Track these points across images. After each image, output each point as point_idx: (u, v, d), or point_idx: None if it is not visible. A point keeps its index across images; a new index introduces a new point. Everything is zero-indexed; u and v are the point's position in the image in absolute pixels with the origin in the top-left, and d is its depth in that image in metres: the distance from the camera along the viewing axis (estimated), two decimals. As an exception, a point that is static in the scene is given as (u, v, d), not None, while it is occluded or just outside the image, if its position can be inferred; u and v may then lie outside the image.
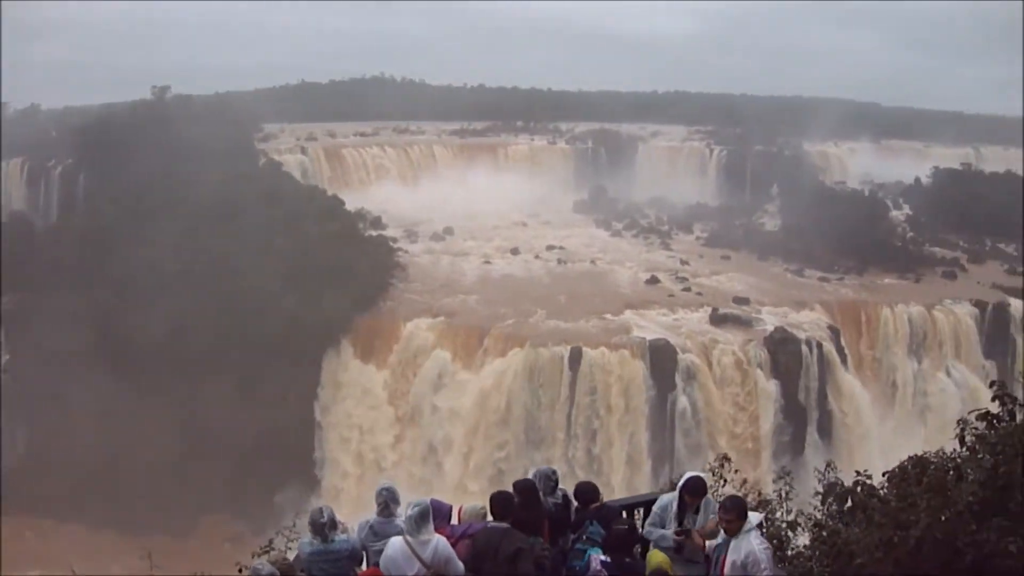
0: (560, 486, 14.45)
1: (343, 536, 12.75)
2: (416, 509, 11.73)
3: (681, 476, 21.54)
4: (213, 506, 73.61)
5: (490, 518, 12.99)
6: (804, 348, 79.30)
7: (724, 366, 76.34)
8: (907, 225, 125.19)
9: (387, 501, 12.96)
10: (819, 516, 18.11)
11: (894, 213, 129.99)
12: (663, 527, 13.72)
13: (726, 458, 21.93)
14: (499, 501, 12.64)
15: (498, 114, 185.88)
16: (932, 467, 15.42)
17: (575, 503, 14.09)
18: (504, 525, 12.11)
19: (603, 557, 12.50)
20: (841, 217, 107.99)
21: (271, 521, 57.15)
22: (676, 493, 13.79)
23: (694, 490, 13.75)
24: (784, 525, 19.82)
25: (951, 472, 15.15)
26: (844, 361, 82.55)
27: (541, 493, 13.72)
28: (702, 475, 14.58)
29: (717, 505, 13.88)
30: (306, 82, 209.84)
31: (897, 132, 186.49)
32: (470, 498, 59.32)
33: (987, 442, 14.82)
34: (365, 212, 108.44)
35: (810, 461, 68.25)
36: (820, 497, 18.09)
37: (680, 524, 13.71)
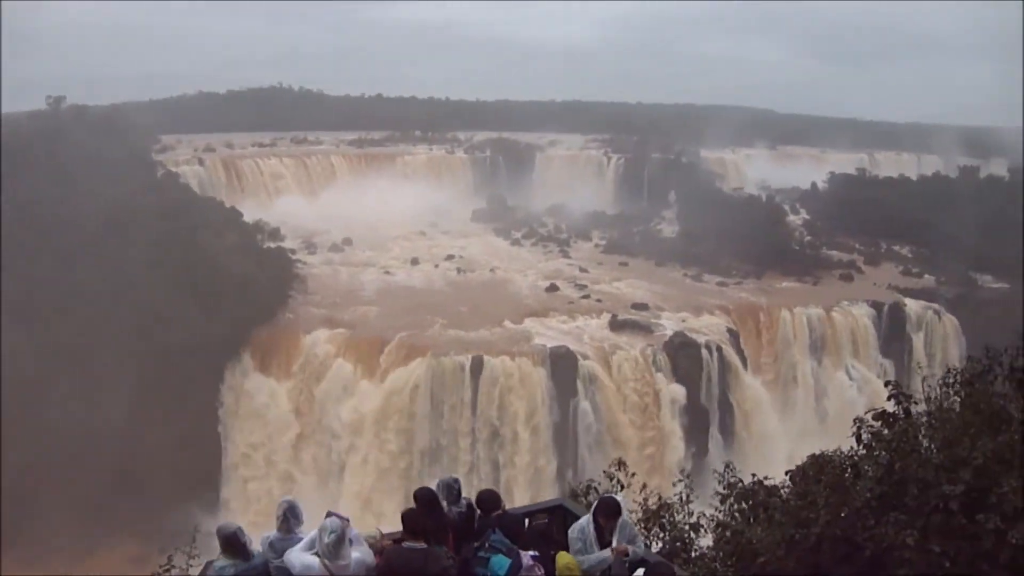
0: (464, 495, 14.50)
1: (257, 551, 12.61)
2: (332, 536, 11.60)
3: (583, 485, 21.70)
4: (113, 525, 72.36)
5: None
6: (704, 352, 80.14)
7: (625, 371, 76.79)
8: (804, 229, 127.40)
9: (286, 516, 12.79)
10: (722, 517, 18.37)
11: (791, 218, 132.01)
12: (587, 552, 13.63)
13: (621, 463, 22.18)
14: (413, 518, 12.63)
15: (396, 124, 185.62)
16: (831, 465, 15.74)
17: (479, 511, 14.13)
18: (421, 545, 12.08)
19: (532, 552, 12.56)
20: (738, 222, 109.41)
21: (174, 539, 56.45)
22: (590, 517, 13.74)
23: (608, 512, 13.67)
24: (687, 527, 20.07)
25: (849, 470, 15.49)
26: (744, 363, 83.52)
27: (444, 503, 13.76)
28: (615, 496, 14.57)
29: (634, 525, 13.89)
30: (204, 92, 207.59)
31: (794, 138, 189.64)
32: (375, 509, 59.31)
33: (883, 439, 15.18)
34: (264, 224, 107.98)
35: (713, 463, 68.67)
36: (722, 498, 18.36)
37: (603, 547, 13.63)
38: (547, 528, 13.41)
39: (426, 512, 12.81)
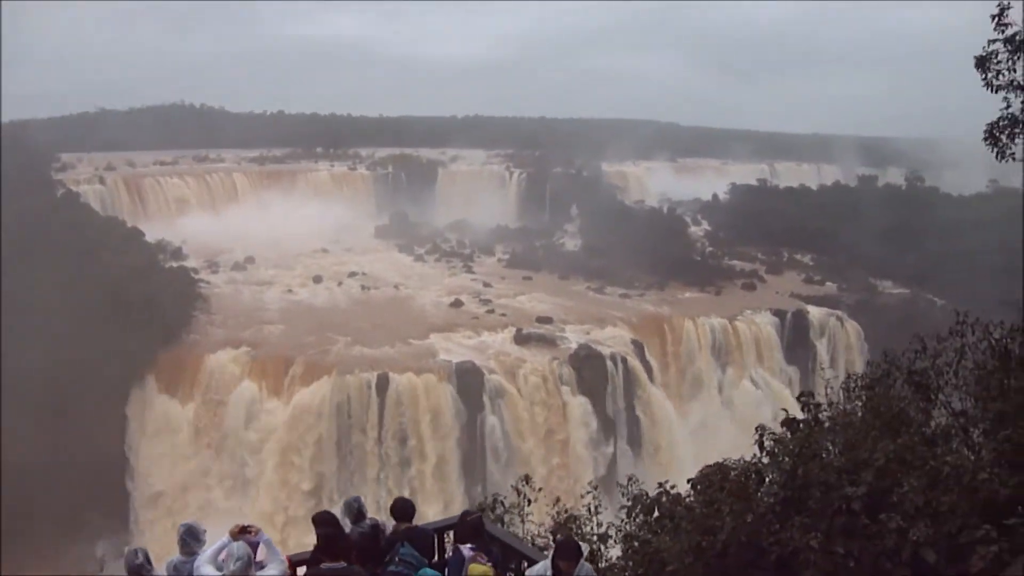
0: (371, 515, 14.36)
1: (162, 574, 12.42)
2: (239, 564, 11.44)
3: (490, 499, 21.67)
4: (15, 552, 71.14)
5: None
6: (609, 363, 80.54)
7: (531, 385, 76.99)
8: (706, 240, 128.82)
9: (184, 539, 12.63)
10: (630, 528, 18.41)
11: (693, 229, 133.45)
12: None
13: (527, 478, 22.24)
14: (331, 539, 12.50)
15: (298, 141, 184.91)
16: (734, 473, 15.85)
17: (390, 525, 14.01)
18: (341, 565, 11.96)
19: (470, 545, 12.48)
20: (640, 235, 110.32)
21: (83, 564, 55.55)
22: (548, 563, 13.39)
23: (569, 556, 13.15)
24: (595, 538, 20.11)
25: (753, 476, 15.59)
26: (649, 374, 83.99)
27: (348, 523, 13.64)
28: (575, 540, 14.26)
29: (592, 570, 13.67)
30: (104, 109, 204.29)
31: (695, 151, 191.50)
32: (285, 529, 58.69)
33: (786, 445, 15.34)
34: (166, 243, 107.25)
35: (622, 473, 69.05)
36: (629, 509, 18.40)
37: None
38: (479, 522, 13.29)
39: (326, 534, 12.70)
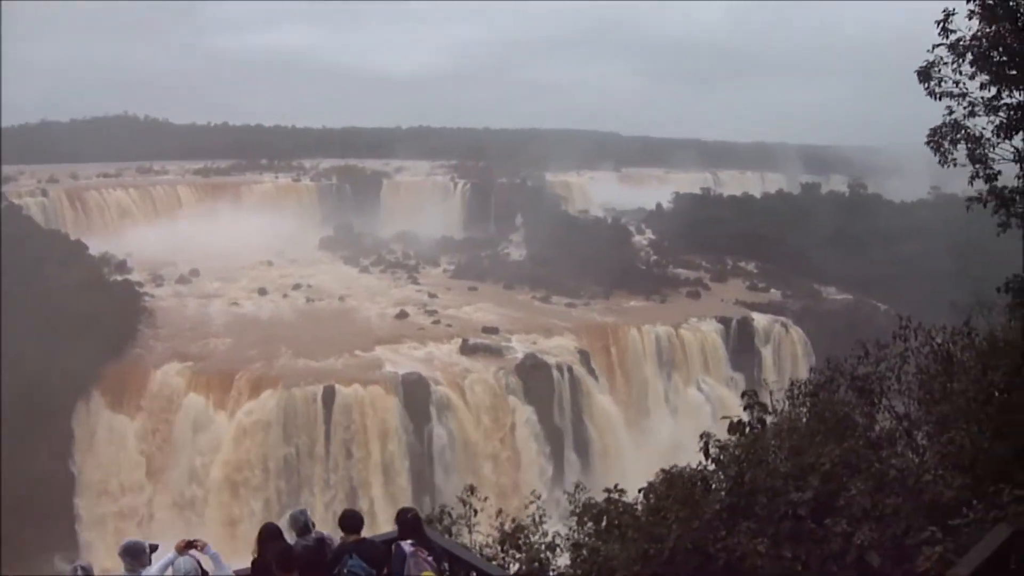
0: (319, 528, 14.27)
1: None
2: None
3: (436, 510, 21.64)
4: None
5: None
6: (555, 373, 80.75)
7: (478, 395, 77.05)
8: (650, 249, 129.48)
9: (128, 556, 12.54)
10: (578, 536, 18.42)
11: (637, 238, 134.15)
12: None
13: (471, 489, 22.22)
14: (285, 554, 12.44)
15: (243, 152, 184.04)
16: (681, 480, 15.90)
17: (335, 539, 13.92)
18: None
19: (410, 540, 12.49)
20: (585, 244, 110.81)
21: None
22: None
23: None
24: (543, 547, 20.09)
25: (699, 483, 15.64)
26: (596, 382, 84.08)
27: (294, 535, 13.56)
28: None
29: None
30: (47, 121, 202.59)
31: (638, 160, 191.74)
32: (234, 543, 58.18)
33: (732, 452, 15.40)
34: (110, 256, 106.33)
35: (570, 482, 69.21)
36: (576, 518, 18.42)
37: None
38: (417, 519, 13.26)
39: (272, 547, 12.62)
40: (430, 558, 12.55)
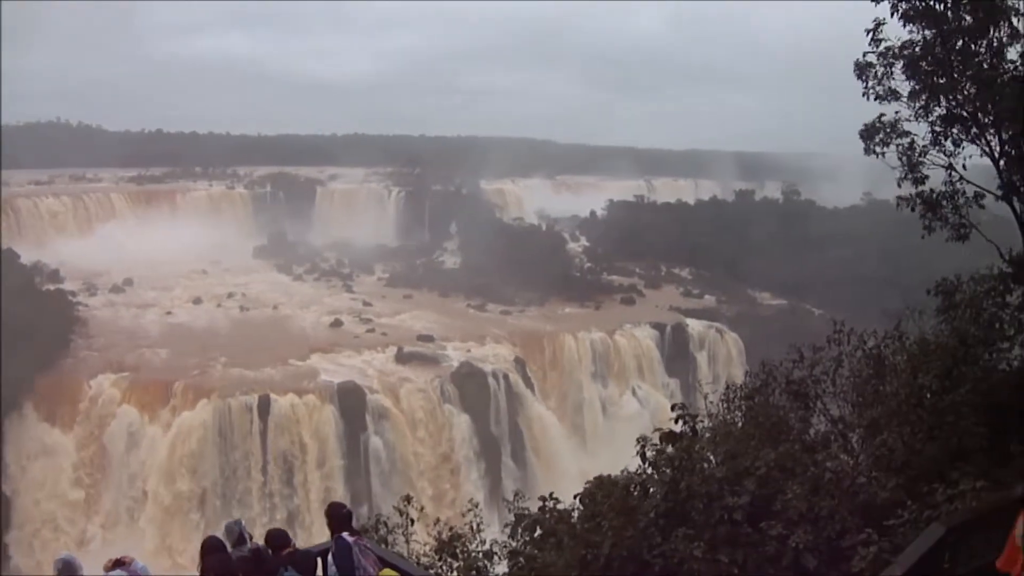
0: (254, 540, 14.19)
1: None
2: None
3: (372, 520, 21.64)
4: None
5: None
6: (491, 380, 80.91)
7: (413, 404, 77.03)
8: (585, 256, 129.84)
9: (60, 572, 12.47)
10: (515, 544, 18.48)
11: (572, 245, 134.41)
12: None
13: (408, 498, 22.24)
14: (221, 565, 12.37)
15: (177, 160, 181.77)
16: (616, 487, 15.99)
17: (269, 552, 13.86)
18: None
19: (345, 532, 12.52)
20: (520, 252, 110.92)
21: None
22: None
23: None
24: (480, 555, 20.14)
25: (636, 489, 15.73)
26: (532, 390, 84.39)
27: (229, 546, 13.49)
28: None
29: None
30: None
31: (572, 168, 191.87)
32: (171, 555, 57.67)
33: (667, 457, 15.50)
34: (42, 265, 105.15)
35: (508, 489, 69.28)
36: (513, 526, 18.48)
37: None
38: (349, 512, 13.26)
39: (215, 560, 12.57)
40: (369, 546, 12.73)
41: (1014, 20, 17.28)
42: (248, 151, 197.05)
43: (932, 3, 17.25)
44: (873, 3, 17.86)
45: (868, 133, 18.69)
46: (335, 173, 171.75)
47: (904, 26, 17.65)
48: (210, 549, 12.72)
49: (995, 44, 17.46)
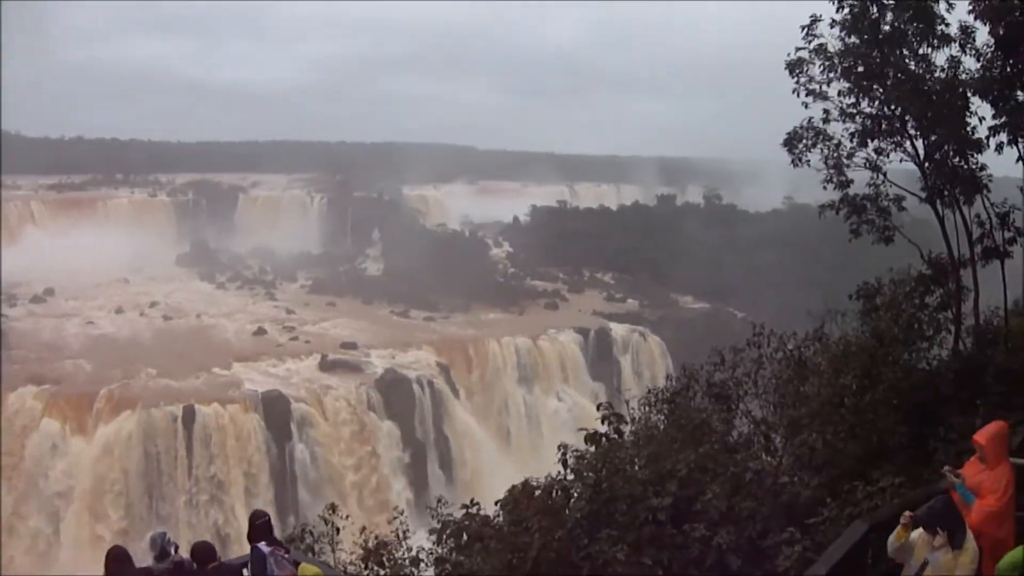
0: (179, 552, 14.16)
1: None
2: None
3: (298, 529, 21.75)
4: None
5: None
6: (416, 387, 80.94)
7: (338, 412, 76.82)
8: (508, 262, 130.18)
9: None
10: (441, 550, 18.64)
11: (495, 251, 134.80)
12: None
13: (333, 507, 22.31)
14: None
15: (98, 167, 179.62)
16: (541, 491, 16.23)
17: (194, 565, 13.85)
18: None
19: (265, 542, 12.56)
20: (443, 258, 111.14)
21: None
22: None
23: None
24: (407, 562, 20.27)
25: (560, 493, 15.99)
26: (457, 396, 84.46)
27: (152, 560, 13.48)
28: None
29: None
30: None
31: (495, 174, 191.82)
32: (97, 570, 57.25)
33: (589, 461, 15.78)
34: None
35: (434, 496, 69.12)
36: (439, 532, 18.64)
37: None
38: (269, 522, 13.28)
39: (120, 572, 12.57)
40: (287, 556, 12.68)
41: (943, 27, 17.72)
42: (170, 158, 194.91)
43: (867, 5, 17.61)
44: None
45: (793, 138, 19.01)
46: (257, 180, 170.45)
47: (839, 33, 18.01)
48: (114, 559, 12.72)
49: (923, 50, 17.88)
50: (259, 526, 13.02)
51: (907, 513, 9.92)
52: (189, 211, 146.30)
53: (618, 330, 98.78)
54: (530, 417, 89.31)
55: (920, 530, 9.80)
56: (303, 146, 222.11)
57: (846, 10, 17.71)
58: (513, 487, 17.31)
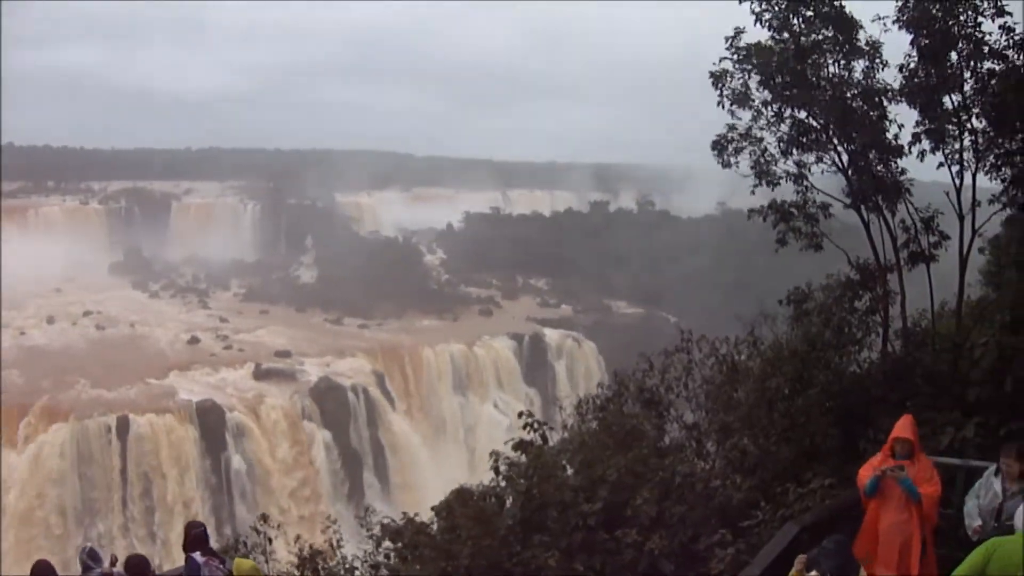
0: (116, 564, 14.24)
1: None
2: None
3: (232, 539, 21.91)
4: None
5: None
6: (351, 395, 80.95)
7: (273, 421, 76.70)
8: (442, 268, 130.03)
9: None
10: (377, 558, 18.92)
11: (429, 258, 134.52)
12: None
13: (264, 517, 22.42)
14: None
15: (29, 174, 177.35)
16: (474, 498, 16.59)
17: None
18: None
19: (199, 552, 12.64)
20: (377, 265, 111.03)
21: None
22: None
23: None
24: (342, 571, 20.50)
25: (493, 500, 16.34)
26: (392, 403, 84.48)
27: (81, 572, 13.57)
28: None
29: None
30: None
31: (428, 180, 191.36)
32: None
33: (520, 468, 16.14)
34: None
35: (370, 504, 69.26)
36: (375, 540, 18.93)
37: None
38: (204, 532, 13.39)
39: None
40: (222, 567, 12.68)
41: (865, 37, 18.11)
42: (102, 165, 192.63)
43: (788, 16, 17.97)
44: (736, 1, 18.53)
45: (720, 143, 19.29)
46: (190, 187, 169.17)
47: (766, 38, 18.32)
48: (38, 574, 12.90)
49: (845, 59, 18.26)
50: (195, 536, 13.00)
51: (801, 557, 10.24)
52: (122, 219, 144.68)
53: (552, 336, 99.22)
54: (466, 424, 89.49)
55: (814, 573, 10.10)
56: (236, 153, 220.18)
57: (768, 18, 18.00)
58: (452, 492, 17.67)
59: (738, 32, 18.42)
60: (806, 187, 19.08)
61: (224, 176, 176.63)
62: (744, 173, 19.16)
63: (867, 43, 18.26)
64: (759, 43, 18.15)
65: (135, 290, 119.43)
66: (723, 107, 18.89)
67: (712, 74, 18.80)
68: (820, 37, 18.11)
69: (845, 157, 18.68)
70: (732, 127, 19.00)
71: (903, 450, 11.10)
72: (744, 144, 19.02)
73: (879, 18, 17.86)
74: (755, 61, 18.26)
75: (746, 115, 18.91)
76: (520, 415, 18.05)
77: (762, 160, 18.90)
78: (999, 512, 10.27)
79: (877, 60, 18.39)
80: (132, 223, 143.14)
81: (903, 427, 11.35)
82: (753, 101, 18.67)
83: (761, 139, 18.93)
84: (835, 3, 17.84)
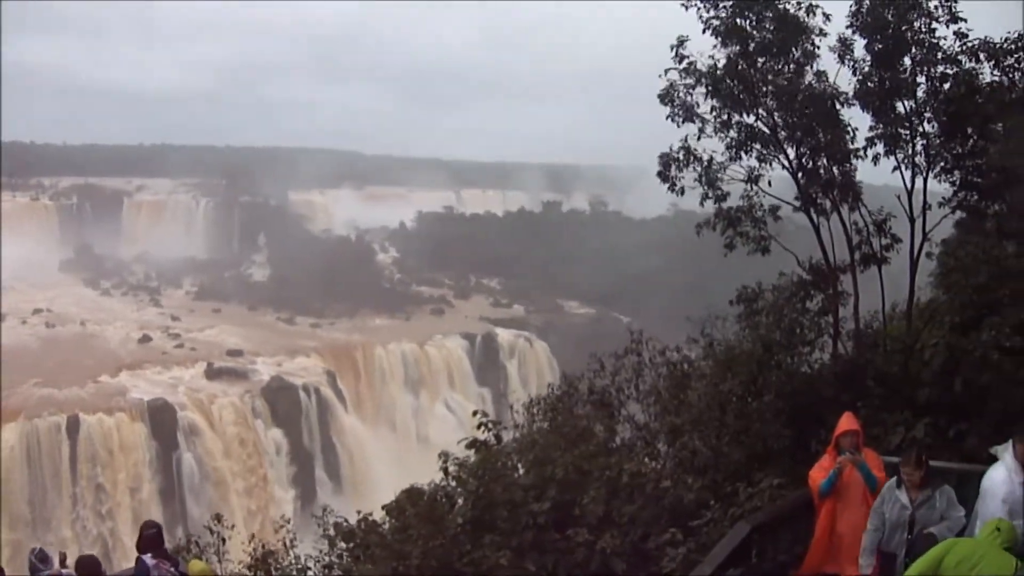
0: (65, 565, 14.30)
1: None
2: None
3: (183, 540, 21.97)
4: None
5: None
6: (302, 394, 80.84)
7: (225, 420, 76.45)
8: (395, 267, 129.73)
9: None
10: (329, 558, 19.06)
11: (381, 257, 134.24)
12: None
13: (218, 517, 22.43)
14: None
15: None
16: (424, 498, 16.77)
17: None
18: None
19: (150, 555, 12.68)
20: (329, 263, 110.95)
21: None
22: None
23: None
24: (295, 571, 20.61)
25: (443, 499, 16.52)
26: (344, 403, 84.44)
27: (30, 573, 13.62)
28: None
29: None
30: None
31: (380, 179, 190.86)
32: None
33: (470, 468, 16.33)
34: None
35: (322, 504, 69.18)
36: (328, 540, 19.06)
37: None
38: (159, 533, 13.44)
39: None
40: (172, 569, 12.73)
41: (814, 39, 18.27)
42: (53, 161, 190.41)
43: (738, 20, 18.07)
44: (683, 6, 18.58)
45: (666, 163, 19.35)
46: (142, 184, 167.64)
47: (714, 45, 18.38)
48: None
49: (795, 62, 18.39)
50: (148, 537, 13.09)
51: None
52: (73, 216, 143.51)
53: (504, 335, 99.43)
54: (418, 423, 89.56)
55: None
56: (189, 150, 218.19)
57: (717, 22, 18.05)
58: (403, 492, 17.81)
59: (682, 41, 18.34)
60: (753, 192, 19.16)
61: (176, 173, 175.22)
62: (691, 186, 19.21)
63: (815, 46, 18.24)
64: (710, 66, 18.24)
65: (86, 288, 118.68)
66: (674, 122, 18.93)
67: (659, 95, 18.85)
68: (766, 41, 18.07)
69: (795, 160, 18.72)
70: (684, 141, 19.05)
71: (851, 444, 11.36)
72: (688, 160, 18.88)
73: (825, 21, 18.07)
74: (700, 68, 18.33)
75: (693, 128, 18.99)
76: (474, 414, 18.14)
77: (707, 172, 18.99)
78: (911, 523, 10.41)
79: (847, 58, 18.21)
80: (83, 220, 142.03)
81: (849, 421, 11.67)
82: (703, 116, 18.76)
83: (705, 159, 19.00)
84: (779, 6, 17.92)
